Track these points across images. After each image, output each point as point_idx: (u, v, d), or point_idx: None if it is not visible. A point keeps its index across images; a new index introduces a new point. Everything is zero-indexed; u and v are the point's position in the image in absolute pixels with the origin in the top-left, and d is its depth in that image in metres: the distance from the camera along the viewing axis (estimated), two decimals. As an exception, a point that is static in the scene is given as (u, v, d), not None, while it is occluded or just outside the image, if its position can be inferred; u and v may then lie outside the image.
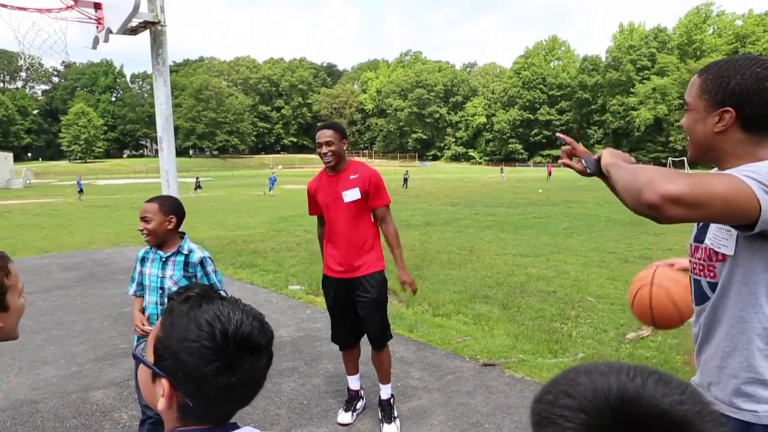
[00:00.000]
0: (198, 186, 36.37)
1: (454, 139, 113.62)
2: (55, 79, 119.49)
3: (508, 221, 16.08)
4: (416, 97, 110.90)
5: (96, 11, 3.92)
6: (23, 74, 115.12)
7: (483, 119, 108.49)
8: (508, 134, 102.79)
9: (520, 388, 4.22)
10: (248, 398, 0.99)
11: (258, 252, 11.14)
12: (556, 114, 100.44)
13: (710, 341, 1.53)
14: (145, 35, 4.28)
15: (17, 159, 70.69)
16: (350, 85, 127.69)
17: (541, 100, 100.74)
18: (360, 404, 3.97)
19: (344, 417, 3.82)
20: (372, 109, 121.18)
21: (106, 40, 3.98)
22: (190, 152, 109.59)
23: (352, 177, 3.57)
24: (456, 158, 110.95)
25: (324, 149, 3.51)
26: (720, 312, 1.49)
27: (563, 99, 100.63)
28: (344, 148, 3.57)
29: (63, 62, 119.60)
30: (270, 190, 34.03)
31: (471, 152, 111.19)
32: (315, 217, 3.91)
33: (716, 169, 1.54)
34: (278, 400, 4.13)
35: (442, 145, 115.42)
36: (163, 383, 0.93)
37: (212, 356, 0.91)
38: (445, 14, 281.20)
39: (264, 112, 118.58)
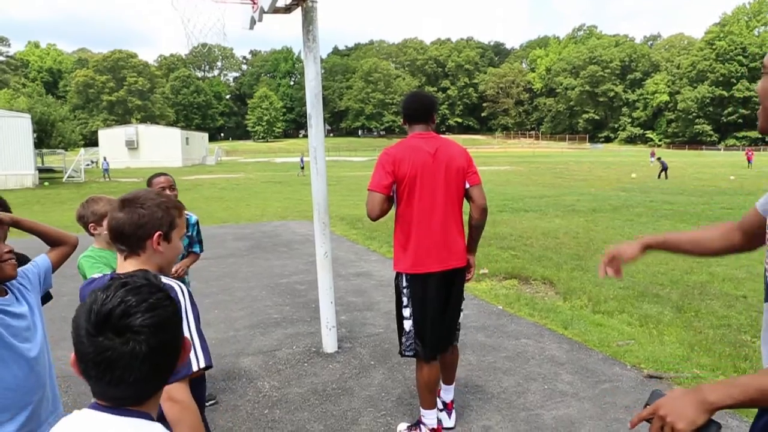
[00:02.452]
0: None
1: (630, 120, 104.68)
2: (244, 67, 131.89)
3: (689, 211, 14.31)
4: (589, 75, 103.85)
5: (251, -9, 4.01)
6: (219, 64, 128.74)
7: (665, 97, 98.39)
8: (694, 114, 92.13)
9: (692, 408, 3.59)
10: (103, 378, 0.99)
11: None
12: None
13: None
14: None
15: (211, 139, 79.46)
16: (518, 63, 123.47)
17: (739, 74, 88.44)
18: None
19: None
20: (540, 89, 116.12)
21: (260, 20, 4.06)
22: (359, 132, 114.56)
23: None
24: (631, 140, 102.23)
25: None
26: None
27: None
28: (404, 124, 3.31)
29: (251, 51, 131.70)
30: None
31: (649, 134, 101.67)
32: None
33: None
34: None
35: (616, 126, 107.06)
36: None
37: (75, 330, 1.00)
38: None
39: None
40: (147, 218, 1.63)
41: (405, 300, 3.16)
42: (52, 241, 2.25)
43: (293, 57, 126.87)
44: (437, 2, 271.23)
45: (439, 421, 3.37)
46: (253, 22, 4.29)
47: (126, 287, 1.00)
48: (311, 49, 4.24)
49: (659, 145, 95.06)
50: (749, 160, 38.28)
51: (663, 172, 28.34)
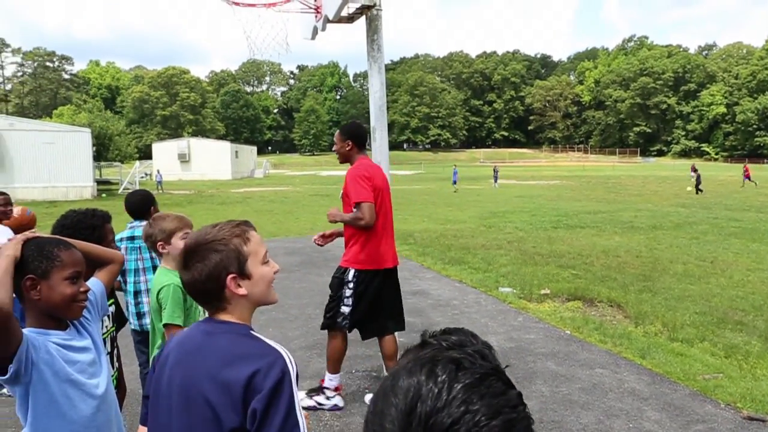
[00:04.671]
0: (496, 176, 35.51)
1: (684, 133, 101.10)
2: (291, 81, 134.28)
3: (759, 229, 13.49)
4: (640, 87, 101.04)
5: (315, 0, 3.87)
6: (267, 78, 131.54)
7: (722, 109, 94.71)
8: (754, 126, 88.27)
9: (806, 458, 3.18)
10: None
11: (467, 248, 10.82)
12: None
13: None
14: (362, 25, 4.13)
15: (259, 152, 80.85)
16: (566, 76, 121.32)
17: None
18: None
19: None
20: (589, 101, 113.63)
21: (324, 29, 3.92)
22: (404, 146, 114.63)
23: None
24: (686, 154, 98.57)
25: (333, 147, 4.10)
26: None
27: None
28: (346, 147, 3.93)
29: (298, 66, 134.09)
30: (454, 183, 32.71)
31: (705, 147, 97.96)
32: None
33: None
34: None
35: (669, 139, 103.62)
36: None
37: None
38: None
39: (476, 106, 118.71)
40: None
41: (348, 291, 3.89)
42: (101, 261, 2.08)
43: (339, 72, 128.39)
44: (483, 15, 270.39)
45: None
46: (315, 32, 4.16)
47: (466, 381, 0.64)
48: (376, 59, 4.06)
49: (716, 159, 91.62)
50: (746, 177, 31.69)
51: (696, 186, 26.57)
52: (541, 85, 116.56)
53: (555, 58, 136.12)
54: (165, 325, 2.56)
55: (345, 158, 4.00)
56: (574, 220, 15.46)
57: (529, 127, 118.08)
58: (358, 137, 3.95)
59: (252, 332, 1.42)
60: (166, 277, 2.61)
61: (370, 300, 3.91)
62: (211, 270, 1.40)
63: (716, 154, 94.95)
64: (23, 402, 1.65)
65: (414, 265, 9.37)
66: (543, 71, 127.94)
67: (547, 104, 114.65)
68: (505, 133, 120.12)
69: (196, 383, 1.34)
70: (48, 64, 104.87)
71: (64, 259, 1.73)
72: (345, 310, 3.91)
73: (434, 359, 0.66)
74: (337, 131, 4.02)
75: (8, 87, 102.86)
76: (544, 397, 4.05)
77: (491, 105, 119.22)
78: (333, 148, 4.13)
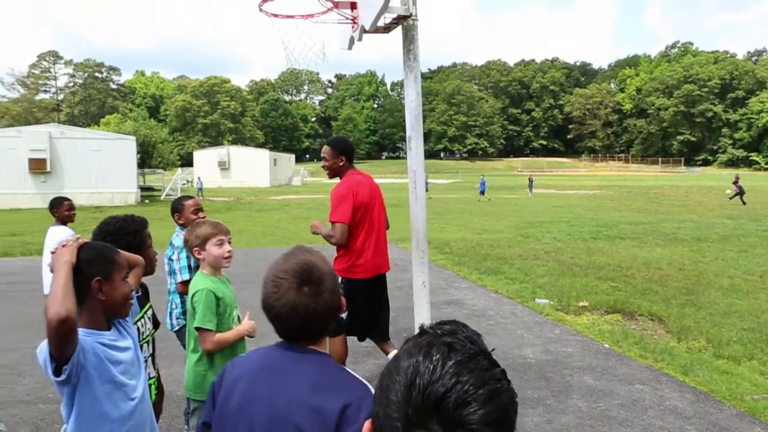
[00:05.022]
0: (531, 186, 35.28)
1: (731, 141, 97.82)
2: (329, 90, 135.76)
3: (812, 242, 12.93)
4: (684, 94, 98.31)
5: (352, 11, 3.91)
6: (306, 87, 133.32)
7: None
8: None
9: None
10: None
11: (504, 258, 10.69)
12: None
13: None
14: (399, 35, 4.15)
15: (297, 160, 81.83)
16: (606, 84, 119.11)
17: None
18: None
19: None
20: (630, 110, 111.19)
21: (360, 39, 3.95)
22: (441, 155, 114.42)
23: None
24: (733, 163, 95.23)
25: (322, 163, 4.27)
26: None
27: None
28: (339, 163, 4.14)
29: (336, 75, 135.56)
30: (482, 194, 31.69)
31: (754, 156, 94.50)
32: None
33: None
34: None
35: (715, 148, 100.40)
36: None
37: None
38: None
39: (514, 115, 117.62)
40: None
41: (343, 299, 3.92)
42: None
43: (377, 80, 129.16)
44: (521, 23, 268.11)
45: None
46: (351, 42, 4.20)
47: (457, 359, 0.75)
48: (412, 68, 4.06)
49: (766, 169, 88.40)
50: (736, 184, 27.71)
51: (740, 197, 25.62)
52: (580, 93, 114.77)
53: (595, 66, 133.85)
54: (196, 329, 2.62)
55: (335, 173, 4.20)
56: (614, 231, 15.11)
57: (568, 136, 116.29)
58: (350, 152, 4.21)
59: (336, 363, 1.40)
60: (202, 282, 2.69)
61: (362, 305, 4.12)
62: (339, 294, 1.43)
63: (766, 163, 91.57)
64: (69, 401, 1.72)
65: (449, 274, 9.31)
66: (583, 79, 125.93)
67: (586, 112, 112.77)
68: (544, 142, 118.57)
69: (283, 407, 1.30)
70: (97, 74, 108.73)
71: (119, 261, 1.86)
72: (343, 315, 4.05)
73: (430, 343, 0.78)
74: (328, 147, 4.19)
75: (60, 97, 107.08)
76: (581, 412, 3.95)
77: (529, 113, 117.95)
78: (322, 165, 4.27)
